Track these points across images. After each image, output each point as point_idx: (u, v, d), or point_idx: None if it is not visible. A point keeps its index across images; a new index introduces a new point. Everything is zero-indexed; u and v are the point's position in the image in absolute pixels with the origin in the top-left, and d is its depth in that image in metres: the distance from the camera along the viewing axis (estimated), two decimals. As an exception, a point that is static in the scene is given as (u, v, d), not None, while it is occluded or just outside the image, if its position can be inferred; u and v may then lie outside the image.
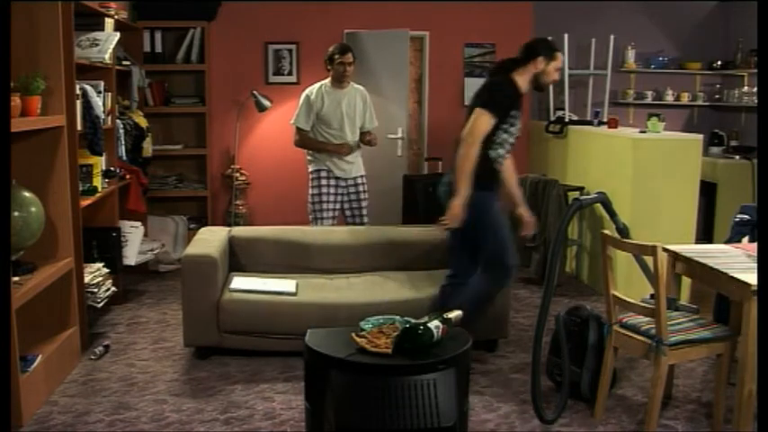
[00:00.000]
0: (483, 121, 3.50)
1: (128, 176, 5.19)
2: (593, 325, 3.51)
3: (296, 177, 5.94)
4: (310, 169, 5.06)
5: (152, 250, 5.52)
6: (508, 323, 4.26)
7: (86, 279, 4.23)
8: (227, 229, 4.71)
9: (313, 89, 4.98)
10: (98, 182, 4.58)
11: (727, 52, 7.03)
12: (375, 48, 6.04)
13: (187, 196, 6.43)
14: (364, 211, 5.12)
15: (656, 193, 4.98)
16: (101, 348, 4.12)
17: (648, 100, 7.03)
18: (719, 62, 7.00)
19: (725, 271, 3.08)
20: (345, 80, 4.96)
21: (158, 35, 6.17)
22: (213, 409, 3.45)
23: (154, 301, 5.19)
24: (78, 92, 4.16)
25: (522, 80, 3.66)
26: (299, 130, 4.98)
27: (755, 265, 2.93)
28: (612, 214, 3.55)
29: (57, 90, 3.65)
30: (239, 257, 4.52)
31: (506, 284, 3.86)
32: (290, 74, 6.52)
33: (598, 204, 3.63)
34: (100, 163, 4.62)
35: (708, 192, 6.19)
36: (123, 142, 5.16)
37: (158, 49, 6.19)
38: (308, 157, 5.08)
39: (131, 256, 5.12)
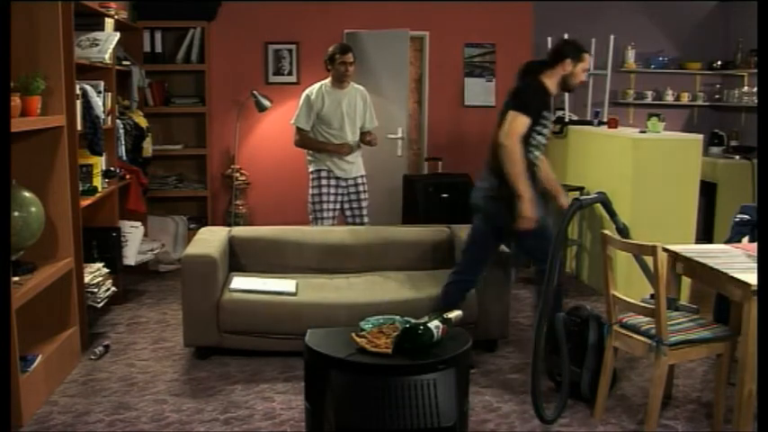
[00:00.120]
0: (519, 122, 3.53)
1: (128, 176, 5.19)
2: (593, 325, 3.51)
3: (296, 177, 5.94)
4: (310, 169, 5.06)
5: (152, 250, 5.51)
6: (508, 323, 4.26)
7: (86, 279, 4.23)
8: (227, 229, 4.71)
9: (313, 89, 4.98)
10: (98, 182, 4.58)
11: (727, 52, 7.03)
12: (375, 48, 6.04)
13: (187, 196, 6.43)
14: (364, 211, 5.12)
15: (656, 193, 4.98)
16: (101, 348, 4.12)
17: (648, 100, 7.03)
18: (719, 62, 7.00)
19: (725, 271, 3.08)
20: (346, 80, 4.96)
21: (158, 35, 6.17)
22: (213, 409, 3.45)
23: (154, 301, 5.18)
24: (78, 92, 4.16)
25: (551, 82, 3.71)
26: (299, 130, 4.98)
27: (755, 265, 2.93)
28: (612, 214, 3.56)
29: (57, 90, 3.65)
30: (239, 257, 4.52)
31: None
32: (290, 74, 6.52)
33: (598, 204, 3.64)
34: (100, 163, 4.62)
35: (708, 192, 6.19)
36: (123, 142, 5.16)
37: (158, 49, 6.19)
38: (309, 157, 5.08)
39: (131, 256, 5.12)
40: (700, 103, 7.16)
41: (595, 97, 6.74)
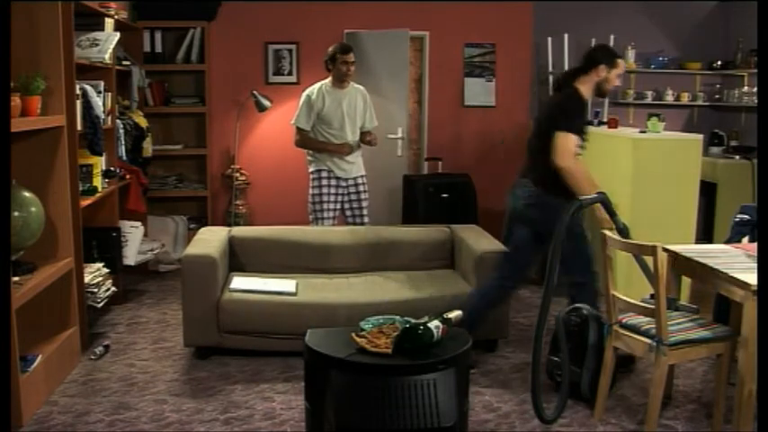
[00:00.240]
0: (570, 141, 3.58)
1: (128, 176, 5.20)
2: (593, 325, 3.50)
3: (296, 177, 5.94)
4: (311, 169, 5.06)
5: (152, 250, 5.52)
6: (508, 323, 4.26)
7: (86, 279, 4.23)
8: (227, 229, 4.71)
9: (313, 89, 4.98)
10: (98, 182, 4.58)
11: (727, 52, 7.02)
12: (375, 48, 6.04)
13: (187, 196, 6.43)
14: (365, 211, 5.12)
15: (656, 192, 4.97)
16: (101, 348, 4.12)
17: (648, 100, 7.02)
18: (719, 62, 6.99)
19: (725, 271, 3.08)
20: (347, 80, 4.96)
21: (158, 35, 6.17)
22: (213, 409, 3.45)
23: (154, 301, 5.18)
24: (78, 92, 4.16)
25: (585, 89, 3.75)
26: (299, 130, 4.98)
27: (755, 265, 2.93)
28: (612, 214, 3.56)
29: (57, 90, 3.65)
30: (239, 257, 4.52)
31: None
32: (290, 74, 6.51)
33: (598, 204, 3.63)
34: (100, 163, 4.62)
35: (708, 192, 6.18)
36: (123, 142, 5.17)
37: (158, 49, 6.19)
38: (309, 157, 5.08)
39: (131, 256, 5.12)
40: (700, 103, 7.15)
41: (595, 97, 6.72)
